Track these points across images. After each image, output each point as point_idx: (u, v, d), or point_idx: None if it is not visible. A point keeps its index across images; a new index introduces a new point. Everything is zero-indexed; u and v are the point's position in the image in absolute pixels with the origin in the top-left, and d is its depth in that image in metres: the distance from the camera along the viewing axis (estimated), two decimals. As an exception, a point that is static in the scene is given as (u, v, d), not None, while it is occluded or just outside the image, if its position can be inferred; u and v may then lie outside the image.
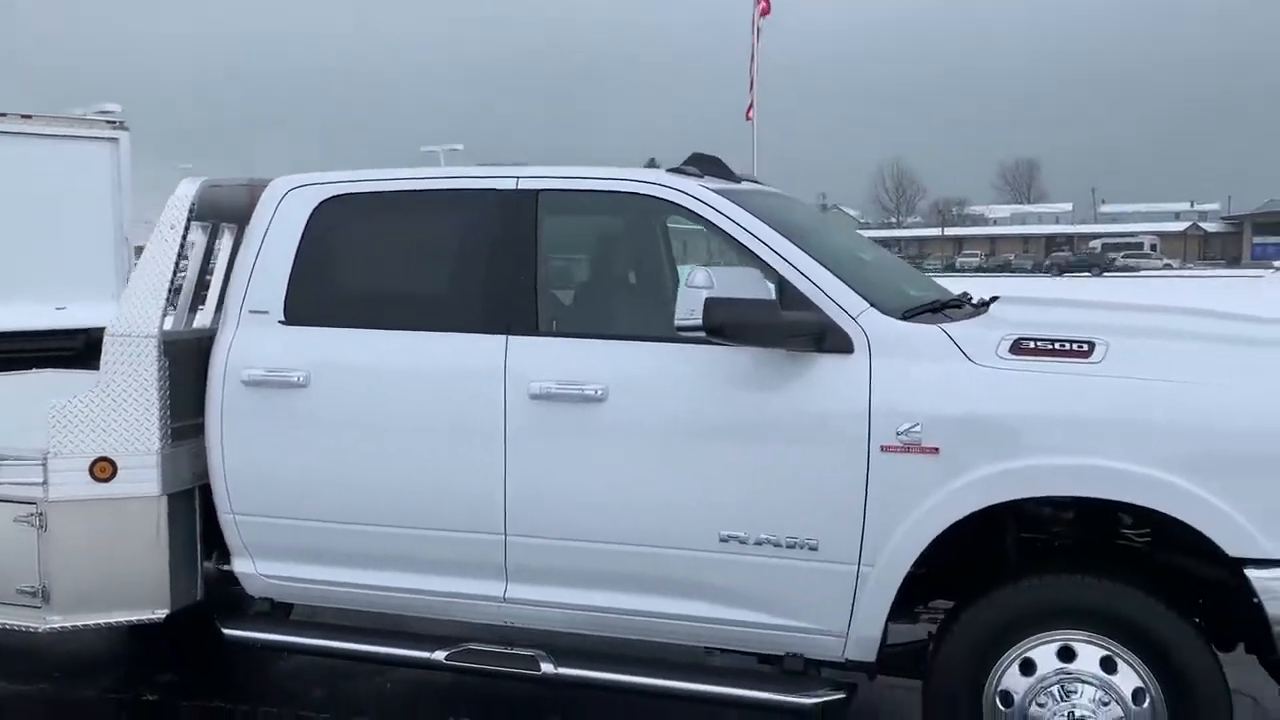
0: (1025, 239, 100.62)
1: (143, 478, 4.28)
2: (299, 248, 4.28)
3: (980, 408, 3.49)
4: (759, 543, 3.71)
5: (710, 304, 3.44)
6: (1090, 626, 3.44)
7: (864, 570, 3.62)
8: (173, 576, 4.33)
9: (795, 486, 3.65)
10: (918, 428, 3.51)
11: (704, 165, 4.28)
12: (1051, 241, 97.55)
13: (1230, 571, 3.33)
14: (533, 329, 4.00)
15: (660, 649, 4.10)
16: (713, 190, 3.98)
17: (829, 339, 3.67)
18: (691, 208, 3.93)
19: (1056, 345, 3.57)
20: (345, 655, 4.26)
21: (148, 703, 4.80)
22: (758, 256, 3.82)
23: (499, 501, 3.94)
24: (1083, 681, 3.41)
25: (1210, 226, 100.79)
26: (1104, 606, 3.42)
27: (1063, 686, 3.42)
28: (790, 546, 3.68)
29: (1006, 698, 3.50)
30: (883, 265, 4.87)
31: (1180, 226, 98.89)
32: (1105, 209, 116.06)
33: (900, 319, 3.73)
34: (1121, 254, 77.91)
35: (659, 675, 3.91)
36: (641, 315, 4.49)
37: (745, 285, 3.52)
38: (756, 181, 4.95)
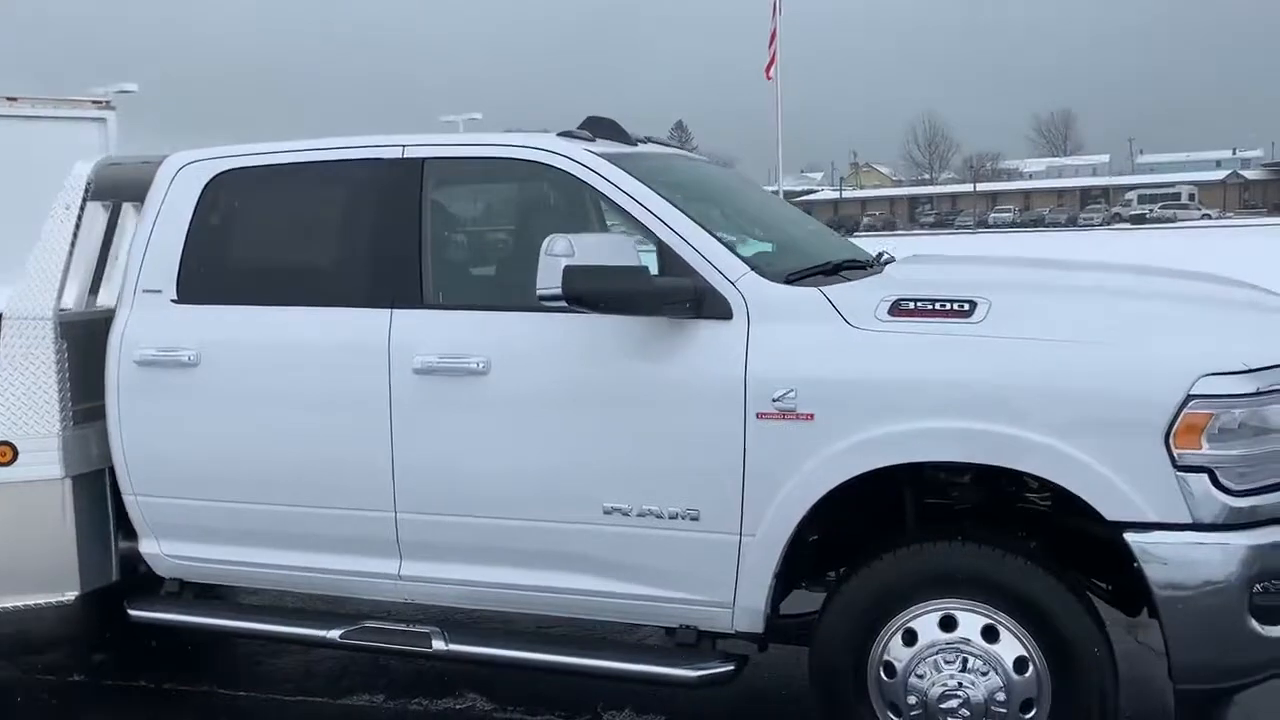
0: (1060, 192, 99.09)
1: (44, 460, 4.26)
2: (190, 225, 4.23)
3: (854, 372, 3.38)
4: (642, 514, 3.63)
5: (569, 272, 3.34)
6: (972, 595, 3.33)
7: (746, 540, 3.53)
8: (82, 559, 4.31)
9: (676, 457, 3.57)
10: (792, 394, 3.41)
11: (598, 129, 4.17)
12: (1087, 194, 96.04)
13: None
14: (417, 302, 3.92)
15: (564, 625, 4.04)
16: (596, 154, 3.87)
17: (707, 305, 3.57)
18: (573, 172, 3.82)
19: (936, 305, 3.45)
20: (245, 634, 4.26)
21: (74, 684, 4.81)
22: (638, 221, 3.71)
23: (387, 478, 3.88)
24: (962, 651, 3.32)
25: (1251, 174, 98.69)
26: (982, 573, 3.32)
27: (943, 656, 3.33)
28: (673, 517, 3.60)
29: (890, 669, 3.41)
30: (790, 229, 4.75)
31: (1221, 175, 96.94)
32: (1144, 159, 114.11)
33: (784, 283, 3.62)
34: (1159, 205, 76.64)
35: (548, 650, 3.85)
36: (528, 286, 4.38)
37: (610, 252, 3.42)
38: (670, 145, 4.84)
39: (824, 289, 3.57)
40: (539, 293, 3.41)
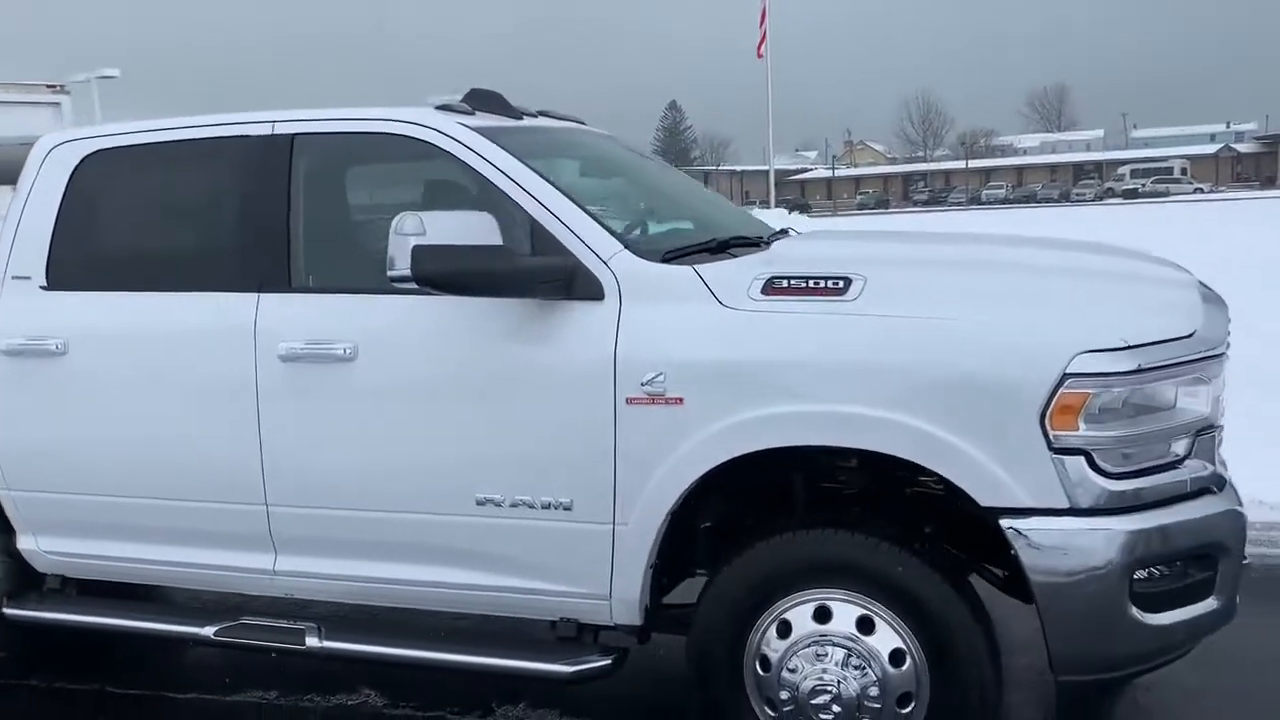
0: (1053, 168, 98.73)
1: (-86, 455, 4.11)
2: (60, 208, 4.07)
3: (724, 353, 3.22)
4: (515, 505, 3.49)
5: (418, 253, 3.17)
6: (848, 585, 3.19)
7: (619, 530, 3.38)
8: (-41, 557, 4.17)
9: (547, 445, 3.42)
10: (661, 377, 3.26)
11: (481, 102, 4.01)
12: (1080, 169, 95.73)
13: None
14: (285, 285, 3.76)
15: (463, 619, 3.90)
16: (471, 129, 3.70)
17: (579, 285, 3.41)
18: (446, 148, 3.65)
19: (810, 283, 3.29)
20: (122, 631, 4.10)
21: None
22: (510, 198, 3.55)
23: (257, 470, 3.73)
24: (835, 644, 3.18)
25: (1244, 147, 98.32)
26: (855, 562, 3.18)
27: (816, 649, 3.19)
28: (545, 507, 3.45)
29: (765, 662, 3.27)
30: (691, 206, 4.58)
31: (1214, 149, 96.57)
32: (1137, 134, 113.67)
33: (661, 261, 3.46)
34: (1151, 179, 76.44)
35: (423, 647, 3.71)
36: None
37: (467, 230, 3.26)
38: (570, 120, 4.66)
39: (698, 267, 3.42)
40: (389, 274, 3.25)
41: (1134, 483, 3.00)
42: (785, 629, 3.24)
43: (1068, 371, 2.94)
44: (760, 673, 3.28)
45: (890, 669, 3.14)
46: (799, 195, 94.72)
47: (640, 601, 3.42)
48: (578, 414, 3.36)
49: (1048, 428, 2.95)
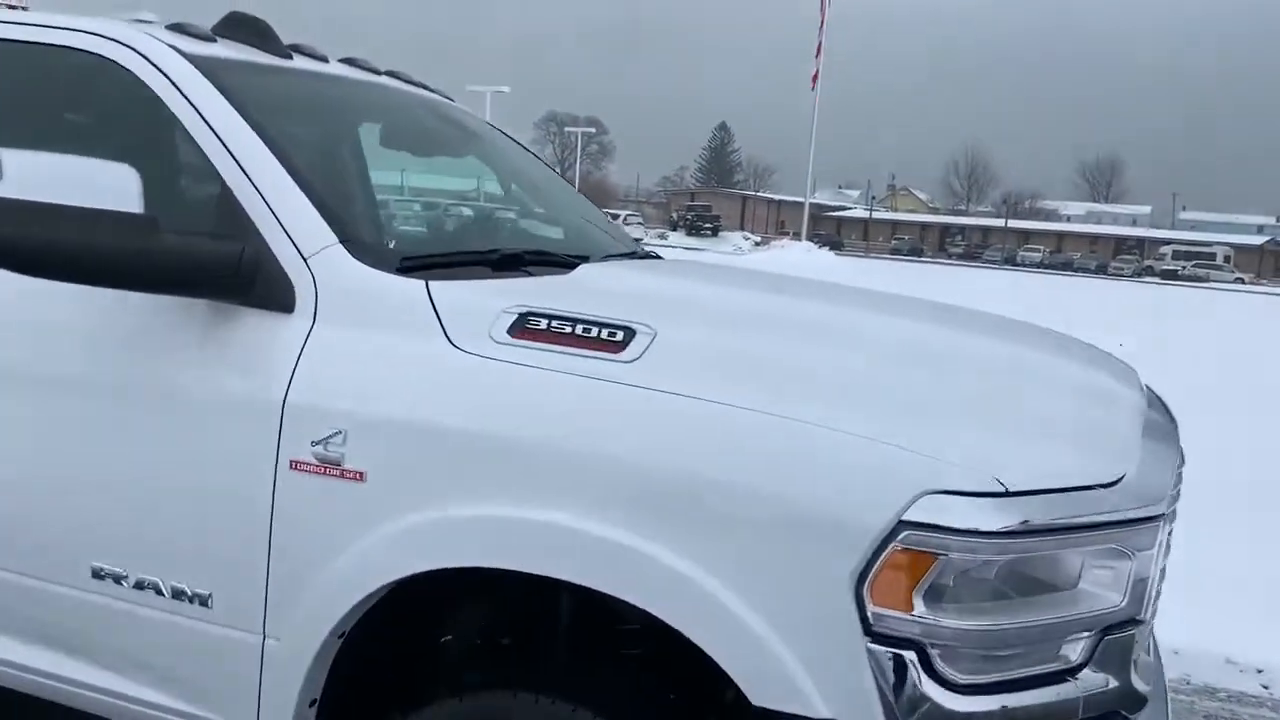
0: (1094, 239, 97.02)
1: None
2: None
3: (431, 414, 2.18)
4: (140, 585, 2.45)
5: None
6: None
7: (270, 645, 2.34)
8: None
9: (186, 509, 2.38)
10: (339, 437, 2.22)
11: (234, 29, 2.99)
12: (1121, 243, 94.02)
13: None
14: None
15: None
16: (177, 51, 2.66)
17: (260, 286, 2.38)
18: (135, 71, 2.62)
19: (576, 329, 2.24)
20: None
21: None
22: (200, 149, 2.52)
23: None
24: None
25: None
26: None
27: None
28: (177, 596, 2.42)
29: None
30: (547, 204, 3.55)
31: (1260, 240, 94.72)
32: (1185, 215, 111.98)
33: (396, 270, 2.42)
34: (1191, 263, 74.95)
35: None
36: None
37: (86, 183, 2.23)
38: (368, 67, 3.59)
39: (436, 285, 2.38)
40: None
41: (993, 701, 1.94)
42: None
43: (905, 519, 1.87)
44: None
45: None
46: (834, 232, 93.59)
47: (294, 748, 2.37)
48: (224, 473, 2.32)
49: (866, 601, 1.89)
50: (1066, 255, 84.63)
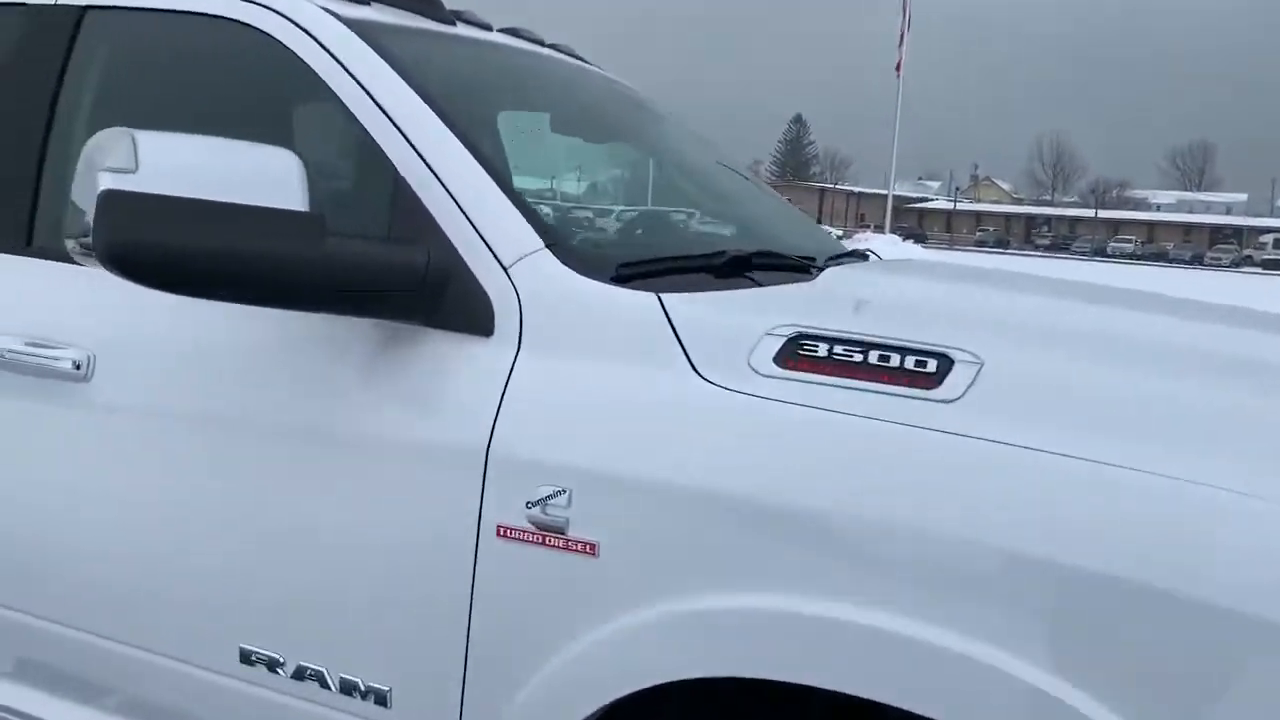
0: (1188, 228, 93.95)
1: None
2: None
3: (687, 472, 1.66)
4: (299, 676, 1.97)
5: (110, 203, 1.65)
6: None
7: (467, 761, 1.85)
8: None
9: (359, 583, 1.90)
10: (561, 498, 1.71)
11: (399, -8, 2.50)
12: (1217, 232, 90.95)
13: None
14: (22, 243, 2.32)
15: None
16: (338, 17, 2.19)
17: (450, 303, 1.88)
18: (287, 42, 2.14)
19: (873, 356, 1.70)
20: None
21: None
22: (367, 131, 2.04)
23: None
24: None
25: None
26: None
27: None
28: (348, 691, 1.93)
29: None
30: (727, 200, 3.02)
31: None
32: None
33: (611, 280, 1.90)
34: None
35: None
36: None
37: (237, 177, 1.74)
38: (567, 52, 3.13)
39: (670, 299, 1.85)
40: (66, 240, 1.76)
41: None
42: None
43: None
44: None
45: None
46: (916, 224, 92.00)
47: None
48: (410, 540, 1.83)
49: None
50: (1159, 245, 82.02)
